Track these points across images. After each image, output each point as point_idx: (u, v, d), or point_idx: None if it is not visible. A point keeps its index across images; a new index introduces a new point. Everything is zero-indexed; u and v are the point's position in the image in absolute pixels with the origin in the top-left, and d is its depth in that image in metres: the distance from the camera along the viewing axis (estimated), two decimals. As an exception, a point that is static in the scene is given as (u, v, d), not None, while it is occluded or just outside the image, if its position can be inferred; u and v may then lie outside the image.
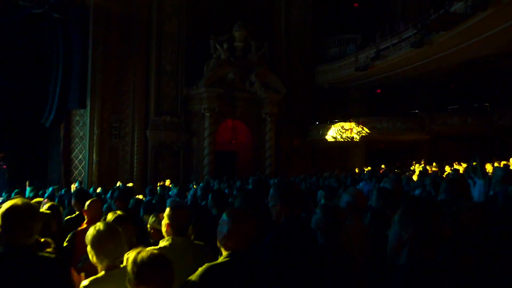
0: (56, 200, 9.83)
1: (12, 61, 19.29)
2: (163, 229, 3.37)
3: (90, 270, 2.91)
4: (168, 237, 3.29)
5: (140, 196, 8.64)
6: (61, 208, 6.75)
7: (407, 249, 2.06)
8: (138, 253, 2.37)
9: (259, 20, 23.45)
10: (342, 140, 22.82)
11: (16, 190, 12.21)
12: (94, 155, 19.41)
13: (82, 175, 19.50)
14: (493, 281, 3.10)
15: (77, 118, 19.84)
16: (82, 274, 3.26)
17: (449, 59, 18.53)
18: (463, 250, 2.78)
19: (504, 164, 13.30)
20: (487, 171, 11.77)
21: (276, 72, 23.04)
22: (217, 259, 2.73)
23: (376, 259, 3.82)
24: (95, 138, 19.41)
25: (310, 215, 4.97)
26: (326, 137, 23.24)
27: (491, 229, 3.54)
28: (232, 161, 23.01)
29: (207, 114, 20.98)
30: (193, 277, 2.53)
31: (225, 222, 2.67)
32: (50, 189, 14.05)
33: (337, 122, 23.12)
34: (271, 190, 3.46)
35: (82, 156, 19.63)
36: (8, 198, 11.18)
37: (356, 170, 20.33)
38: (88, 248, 2.87)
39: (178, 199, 8.49)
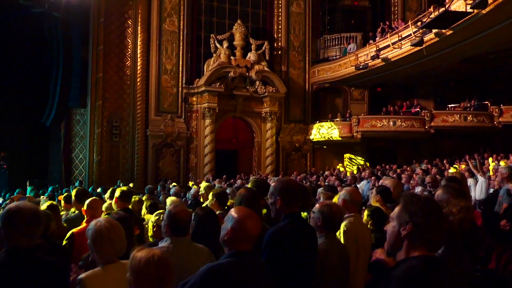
0: (56, 199, 9.84)
1: (12, 60, 19.30)
2: (163, 229, 3.36)
3: (92, 268, 2.92)
4: (167, 237, 3.27)
5: (144, 198, 8.63)
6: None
7: (405, 245, 2.06)
8: (138, 252, 2.38)
9: (259, 19, 23.47)
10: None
11: (18, 190, 12.25)
12: (95, 154, 19.44)
13: (82, 175, 19.52)
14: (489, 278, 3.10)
15: (78, 117, 19.87)
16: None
17: (449, 57, 18.52)
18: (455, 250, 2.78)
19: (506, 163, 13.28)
20: (487, 169, 11.78)
21: (276, 70, 23.03)
22: (216, 260, 2.72)
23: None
24: (95, 137, 19.44)
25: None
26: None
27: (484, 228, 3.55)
28: (233, 160, 23.02)
29: (207, 113, 20.98)
30: (194, 277, 2.52)
31: (230, 220, 2.65)
32: (50, 188, 14.09)
33: (337, 120, 23.14)
34: (271, 188, 3.47)
35: (82, 155, 19.66)
36: (10, 196, 11.19)
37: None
38: (88, 242, 2.89)
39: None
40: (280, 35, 23.79)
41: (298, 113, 23.91)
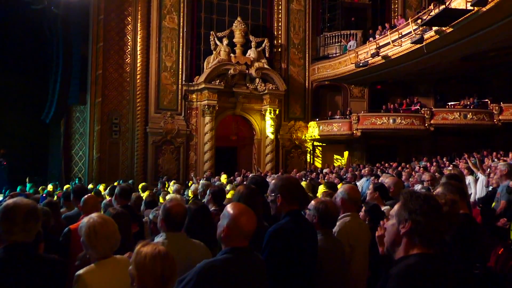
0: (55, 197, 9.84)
1: (12, 58, 19.28)
2: (158, 224, 3.36)
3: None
4: (163, 233, 3.27)
5: (146, 193, 8.63)
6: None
7: (404, 243, 2.06)
8: (143, 247, 2.39)
9: (259, 16, 23.45)
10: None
11: (19, 187, 12.25)
12: (94, 151, 19.43)
13: (82, 172, 19.53)
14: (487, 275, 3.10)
15: (77, 114, 19.85)
16: None
17: (450, 54, 18.50)
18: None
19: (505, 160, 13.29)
20: (487, 166, 11.77)
21: (276, 68, 23.02)
22: (213, 256, 2.72)
23: (373, 253, 3.82)
24: (95, 134, 19.43)
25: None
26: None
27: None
28: (232, 157, 23.02)
29: (207, 110, 20.97)
30: (191, 273, 2.52)
31: (226, 217, 2.66)
32: (50, 185, 14.09)
33: (337, 118, 23.14)
34: (271, 185, 3.46)
35: (82, 152, 19.65)
36: (10, 194, 11.18)
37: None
38: (82, 239, 2.89)
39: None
40: (280, 32, 23.76)
41: (298, 110, 23.90)
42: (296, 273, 3.15)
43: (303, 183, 7.25)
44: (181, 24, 21.18)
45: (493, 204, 6.21)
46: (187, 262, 2.85)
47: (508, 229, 4.96)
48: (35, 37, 19.38)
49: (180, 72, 21.14)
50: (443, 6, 14.55)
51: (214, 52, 21.51)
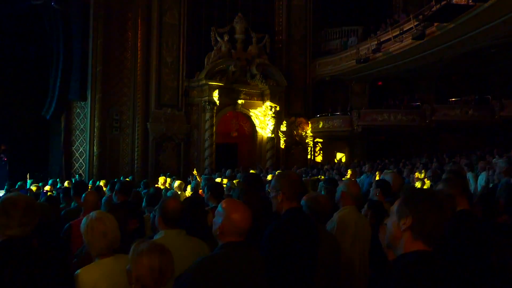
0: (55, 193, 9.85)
1: (12, 53, 19.28)
2: (156, 223, 3.36)
3: (88, 263, 2.92)
4: (161, 230, 3.27)
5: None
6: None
7: (405, 239, 2.04)
8: (139, 244, 2.38)
9: (259, 12, 23.39)
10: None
11: (19, 183, 12.27)
12: (95, 147, 19.43)
13: (82, 168, 19.54)
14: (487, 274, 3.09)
15: (78, 110, 19.84)
16: None
17: (451, 50, 18.45)
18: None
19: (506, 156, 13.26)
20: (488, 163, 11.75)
21: (276, 64, 23.00)
22: (210, 250, 2.72)
23: (374, 249, 3.81)
24: (95, 130, 19.43)
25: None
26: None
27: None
28: (233, 153, 23.03)
29: (208, 106, 20.96)
30: (188, 270, 2.52)
31: (220, 213, 2.66)
32: (50, 181, 14.10)
33: (338, 114, 23.13)
34: (272, 181, 3.45)
35: (82, 148, 19.65)
36: (10, 190, 11.20)
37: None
38: (83, 236, 2.90)
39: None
40: (281, 28, 23.74)
41: (298, 106, 23.88)
42: (296, 270, 3.15)
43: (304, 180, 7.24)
44: (182, 20, 21.12)
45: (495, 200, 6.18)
46: (185, 259, 2.85)
47: (509, 225, 4.94)
48: (36, 33, 19.36)
49: (180, 68, 21.10)
50: (445, 2, 14.49)
51: (214, 48, 21.47)
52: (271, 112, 22.30)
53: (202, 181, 7.29)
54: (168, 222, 3.26)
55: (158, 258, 2.32)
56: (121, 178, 15.26)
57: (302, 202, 3.69)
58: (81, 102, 19.69)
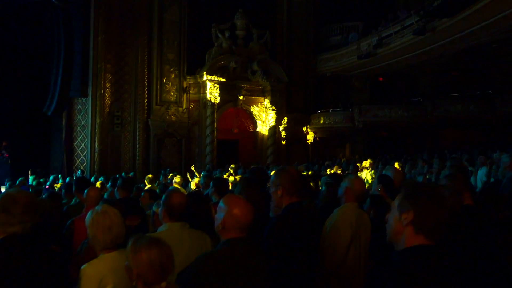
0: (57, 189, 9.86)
1: (13, 50, 19.26)
2: (160, 216, 3.37)
3: (89, 258, 2.92)
4: (165, 224, 3.29)
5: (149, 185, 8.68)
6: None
7: (406, 234, 2.05)
8: (138, 239, 2.38)
9: (260, 8, 23.30)
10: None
11: (20, 178, 12.27)
12: (96, 144, 19.42)
13: (84, 164, 19.53)
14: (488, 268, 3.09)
15: (79, 107, 19.82)
16: None
17: (452, 46, 18.42)
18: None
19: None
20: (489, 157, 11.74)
21: (277, 60, 22.97)
22: (215, 246, 2.73)
23: (376, 244, 3.81)
24: (97, 127, 19.40)
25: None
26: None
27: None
28: (234, 149, 23.03)
29: (209, 103, 20.95)
30: (191, 266, 2.54)
31: (222, 209, 2.67)
32: (51, 177, 14.11)
33: (339, 110, 23.14)
34: (272, 177, 3.46)
35: (84, 145, 19.65)
36: (11, 186, 11.22)
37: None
38: (87, 230, 2.91)
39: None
40: (282, 24, 23.69)
41: (299, 102, 23.87)
42: (297, 264, 3.16)
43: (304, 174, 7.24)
44: (183, 16, 21.08)
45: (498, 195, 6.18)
46: (189, 252, 2.86)
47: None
48: (36, 29, 19.33)
49: (181, 65, 21.07)
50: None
51: (215, 45, 21.44)
52: (272, 108, 22.28)
53: (201, 178, 7.27)
54: (172, 216, 3.27)
55: (157, 252, 2.31)
56: (123, 174, 15.25)
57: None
58: (82, 99, 19.66)
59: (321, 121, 23.42)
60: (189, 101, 21.32)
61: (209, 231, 3.36)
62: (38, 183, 12.69)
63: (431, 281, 1.92)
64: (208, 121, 21.01)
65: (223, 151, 21.60)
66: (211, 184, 5.16)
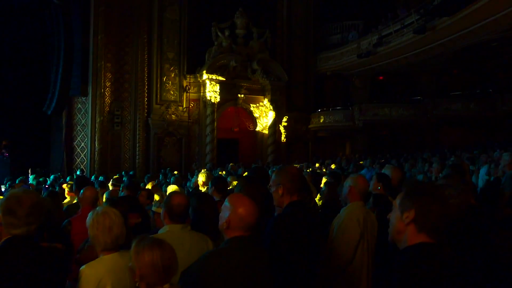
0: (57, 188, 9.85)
1: (13, 49, 19.24)
2: (161, 217, 3.36)
3: (88, 259, 2.91)
4: (166, 225, 3.28)
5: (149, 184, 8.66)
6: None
7: (408, 232, 2.05)
8: (141, 240, 2.38)
9: (260, 7, 23.28)
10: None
11: (20, 178, 12.26)
12: (96, 142, 19.42)
13: (84, 163, 19.55)
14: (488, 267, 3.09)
15: (79, 105, 19.83)
16: None
17: (452, 44, 18.42)
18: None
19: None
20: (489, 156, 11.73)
21: (278, 59, 22.96)
22: (216, 247, 2.73)
23: (379, 243, 3.81)
24: (97, 125, 19.40)
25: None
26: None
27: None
28: (234, 148, 23.02)
29: (209, 102, 20.94)
30: (194, 264, 2.54)
31: (227, 208, 2.67)
32: (52, 177, 14.11)
33: (339, 108, 23.13)
34: (273, 176, 3.45)
35: (84, 144, 19.66)
36: (12, 185, 11.20)
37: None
38: (88, 231, 2.90)
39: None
40: (282, 23, 23.67)
41: (299, 101, 23.86)
42: (299, 262, 3.15)
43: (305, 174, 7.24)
44: (182, 15, 21.06)
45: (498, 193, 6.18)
46: (190, 253, 2.85)
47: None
48: (36, 28, 19.32)
49: (181, 64, 21.06)
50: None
51: (215, 43, 21.41)
52: (272, 107, 22.27)
53: (202, 176, 7.25)
54: (173, 217, 3.26)
55: (159, 254, 2.32)
56: (123, 173, 15.26)
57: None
58: (82, 98, 19.68)
59: (321, 120, 23.40)
60: (189, 100, 21.31)
61: (211, 233, 3.35)
62: (38, 183, 12.68)
63: (434, 279, 1.92)
64: (208, 120, 21.00)
65: (223, 150, 21.60)
66: (209, 184, 5.15)
